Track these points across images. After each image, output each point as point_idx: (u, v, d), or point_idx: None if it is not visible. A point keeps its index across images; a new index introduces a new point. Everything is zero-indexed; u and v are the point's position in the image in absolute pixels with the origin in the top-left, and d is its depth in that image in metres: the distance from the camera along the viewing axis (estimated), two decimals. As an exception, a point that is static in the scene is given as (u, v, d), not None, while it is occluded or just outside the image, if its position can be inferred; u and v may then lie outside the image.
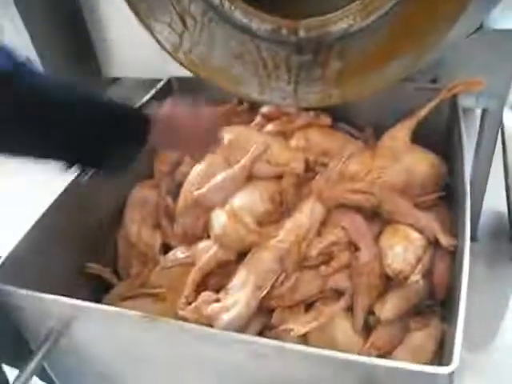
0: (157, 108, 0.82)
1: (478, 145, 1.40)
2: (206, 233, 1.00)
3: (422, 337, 0.85)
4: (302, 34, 1.06)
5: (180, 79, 1.28)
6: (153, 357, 0.76)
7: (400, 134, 1.02)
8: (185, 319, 0.83)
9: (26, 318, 0.80)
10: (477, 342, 1.46)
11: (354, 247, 0.90)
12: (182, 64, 1.08)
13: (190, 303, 0.89)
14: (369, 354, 0.81)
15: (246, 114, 1.23)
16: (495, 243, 1.68)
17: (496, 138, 1.38)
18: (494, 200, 1.66)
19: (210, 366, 0.73)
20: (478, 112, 1.40)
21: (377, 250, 0.88)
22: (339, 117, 1.13)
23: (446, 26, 0.98)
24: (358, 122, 1.14)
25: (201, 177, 1.01)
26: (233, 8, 1.07)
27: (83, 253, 1.01)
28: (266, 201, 0.95)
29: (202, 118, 0.87)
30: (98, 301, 0.94)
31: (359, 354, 0.79)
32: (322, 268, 0.88)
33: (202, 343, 0.68)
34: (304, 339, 0.85)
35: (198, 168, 1.03)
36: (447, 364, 0.58)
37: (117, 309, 0.73)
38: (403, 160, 0.98)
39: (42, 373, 0.97)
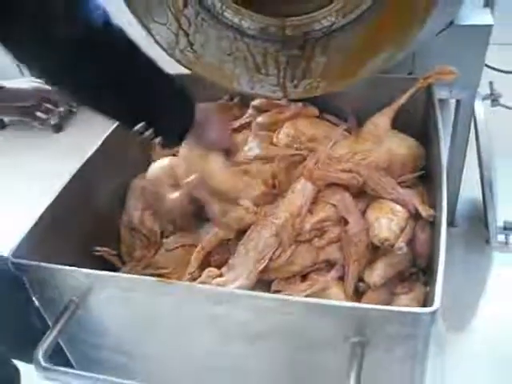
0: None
1: (454, 134, 1.50)
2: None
3: (407, 300, 0.93)
4: (288, 31, 1.15)
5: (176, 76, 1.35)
6: (165, 321, 0.83)
7: (381, 121, 1.12)
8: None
9: (44, 292, 0.86)
10: (455, 323, 1.56)
11: (343, 221, 0.98)
12: (178, 62, 1.16)
13: (194, 279, 0.97)
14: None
15: (237, 109, 1.31)
16: (472, 228, 1.78)
17: (469, 127, 1.48)
18: (469, 188, 1.77)
19: (218, 326, 0.80)
20: (453, 103, 1.51)
21: (364, 222, 0.96)
22: (325, 108, 1.22)
23: (418, 23, 1.07)
24: (341, 113, 1.22)
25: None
26: (224, 8, 1.16)
27: (88, 238, 1.07)
28: (260, 184, 1.03)
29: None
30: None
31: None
32: (316, 240, 0.96)
33: (212, 303, 0.76)
34: (300, 306, 0.93)
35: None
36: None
37: (133, 275, 0.80)
38: (385, 143, 1.07)
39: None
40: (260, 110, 1.22)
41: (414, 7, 1.01)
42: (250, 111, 1.23)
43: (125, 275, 0.82)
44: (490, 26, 1.27)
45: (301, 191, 0.98)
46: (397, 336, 0.70)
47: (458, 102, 1.44)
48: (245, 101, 1.30)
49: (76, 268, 0.80)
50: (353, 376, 0.68)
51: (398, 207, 0.97)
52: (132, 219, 1.13)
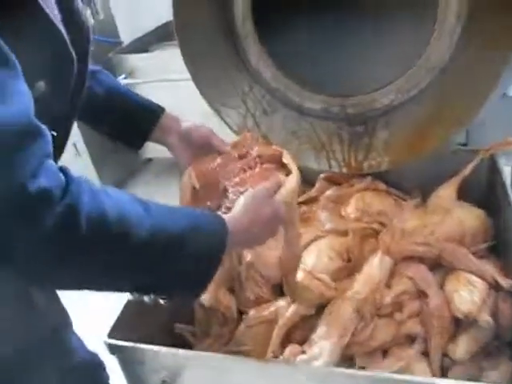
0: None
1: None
2: (274, 295, 1.09)
3: (496, 376, 0.92)
4: (350, 110, 1.21)
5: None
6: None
7: (447, 193, 1.14)
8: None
9: (139, 373, 0.88)
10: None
11: (422, 295, 0.99)
12: (247, 142, 1.22)
13: (276, 357, 0.97)
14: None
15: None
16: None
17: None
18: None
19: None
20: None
21: (443, 295, 0.97)
22: (388, 181, 1.26)
23: (480, 101, 1.11)
24: (405, 187, 1.25)
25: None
26: (287, 91, 1.23)
27: (168, 316, 1.09)
28: (335, 258, 1.05)
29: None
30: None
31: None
32: (397, 314, 0.97)
33: (310, 381, 0.77)
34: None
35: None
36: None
37: (230, 355, 0.81)
38: (453, 214, 1.09)
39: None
40: (328, 182, 1.25)
41: (475, 91, 1.06)
42: (317, 185, 1.26)
43: (220, 355, 0.83)
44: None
45: (379, 265, 1.00)
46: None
47: (513, 168, 1.46)
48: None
49: (170, 348, 0.82)
50: None
51: (475, 278, 0.98)
52: (205, 298, 1.14)
